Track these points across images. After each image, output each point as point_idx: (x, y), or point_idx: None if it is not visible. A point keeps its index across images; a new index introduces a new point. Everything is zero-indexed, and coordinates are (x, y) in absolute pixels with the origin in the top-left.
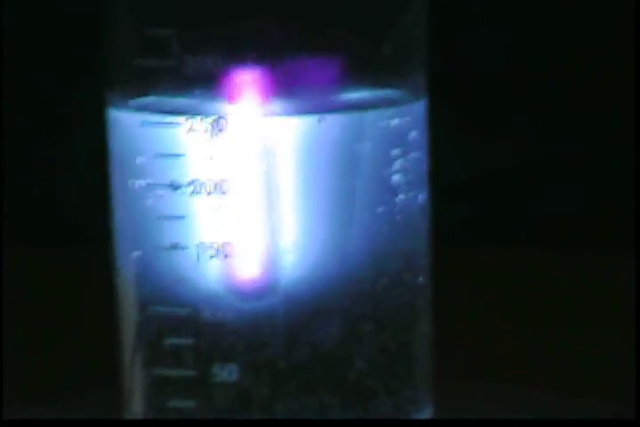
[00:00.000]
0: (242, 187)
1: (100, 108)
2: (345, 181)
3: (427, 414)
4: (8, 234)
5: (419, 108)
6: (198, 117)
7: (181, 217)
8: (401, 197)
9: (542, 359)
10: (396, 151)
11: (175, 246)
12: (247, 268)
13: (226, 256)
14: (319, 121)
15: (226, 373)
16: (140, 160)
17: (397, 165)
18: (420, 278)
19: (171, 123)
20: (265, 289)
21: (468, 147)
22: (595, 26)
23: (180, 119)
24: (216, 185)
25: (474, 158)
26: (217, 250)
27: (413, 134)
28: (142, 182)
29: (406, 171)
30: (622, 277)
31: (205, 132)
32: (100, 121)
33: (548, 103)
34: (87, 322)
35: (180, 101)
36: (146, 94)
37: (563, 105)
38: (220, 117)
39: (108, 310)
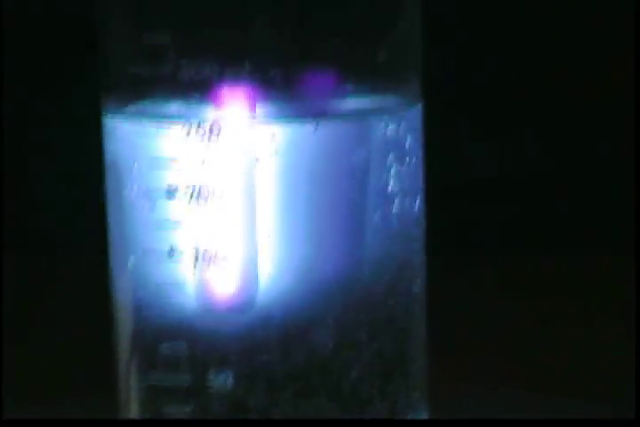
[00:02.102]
0: (237, 194)
1: (96, 114)
2: (341, 187)
3: (422, 418)
4: (4, 240)
5: (414, 114)
6: (193, 124)
7: (177, 223)
8: (396, 203)
9: (542, 360)
10: (391, 157)
11: (171, 252)
12: (238, 275)
13: (221, 262)
14: (315, 128)
15: (221, 379)
16: (135, 166)
17: (393, 171)
18: (416, 286)
19: (166, 129)
20: (254, 296)
21: (463, 152)
22: (597, 29)
23: (176, 125)
24: (211, 192)
25: (470, 163)
26: (212, 256)
27: (409, 140)
28: (138, 188)
29: (402, 177)
30: (623, 279)
31: (201, 138)
32: (96, 127)
33: (545, 108)
34: (84, 327)
35: (175, 108)
36: (141, 100)
37: (559, 109)
38: (215, 124)
39: (105, 316)
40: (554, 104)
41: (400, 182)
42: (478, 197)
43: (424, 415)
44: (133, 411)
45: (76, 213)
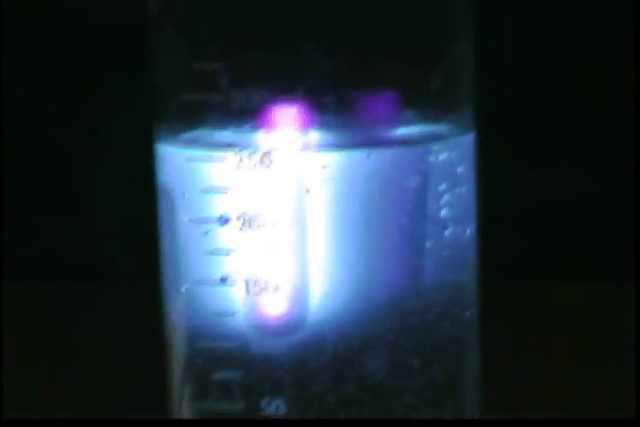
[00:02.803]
0: (290, 221)
1: (149, 143)
2: (393, 214)
3: None
4: (51, 267)
5: (467, 141)
6: (246, 152)
7: (229, 251)
8: (449, 230)
9: (542, 360)
10: (444, 185)
11: (223, 281)
12: (290, 302)
13: (274, 290)
14: (368, 155)
15: (273, 407)
16: (187, 194)
17: (445, 198)
18: (469, 312)
19: (218, 157)
20: (304, 320)
21: (515, 179)
22: None
23: (228, 153)
24: (264, 219)
25: (520, 191)
26: (265, 284)
27: (462, 168)
28: (190, 217)
29: (454, 204)
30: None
31: (253, 166)
32: (149, 155)
33: (593, 137)
34: (137, 355)
35: (227, 135)
36: (193, 128)
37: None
38: (267, 152)
39: (158, 344)
40: (599, 135)
41: (452, 209)
42: (524, 230)
43: None
44: None
45: (129, 241)
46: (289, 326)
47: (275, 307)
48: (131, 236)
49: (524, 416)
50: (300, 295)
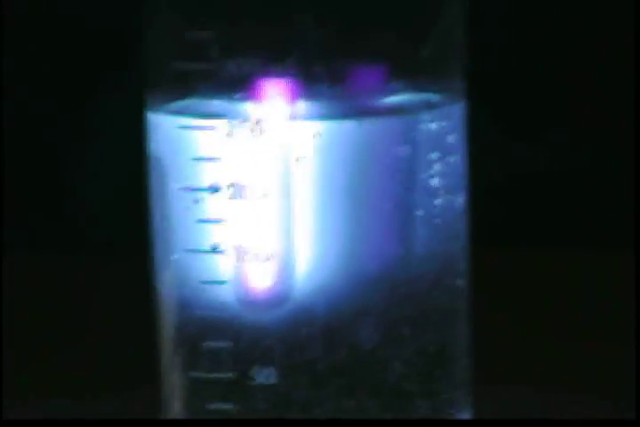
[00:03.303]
0: (280, 191)
1: (139, 111)
2: (383, 183)
3: (466, 416)
4: (40, 238)
5: (457, 111)
6: (236, 121)
7: (219, 220)
8: (439, 200)
9: (542, 360)
10: (435, 154)
11: (213, 249)
12: (278, 271)
13: (264, 259)
14: (359, 125)
15: (264, 375)
16: (178, 163)
17: (436, 168)
18: (459, 281)
19: (209, 126)
20: (291, 289)
21: (503, 149)
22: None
23: (219, 122)
24: (254, 188)
25: (509, 161)
26: (255, 253)
27: (452, 137)
28: (180, 185)
29: (445, 174)
30: (624, 279)
31: (243, 135)
32: (139, 123)
33: (585, 106)
34: (126, 323)
35: (218, 104)
36: (184, 97)
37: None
38: (258, 121)
39: (148, 312)
40: (592, 104)
41: (443, 178)
42: (513, 199)
43: (468, 413)
44: (176, 407)
45: (119, 209)
46: (278, 298)
47: (264, 276)
48: (121, 204)
49: (520, 413)
50: (289, 264)
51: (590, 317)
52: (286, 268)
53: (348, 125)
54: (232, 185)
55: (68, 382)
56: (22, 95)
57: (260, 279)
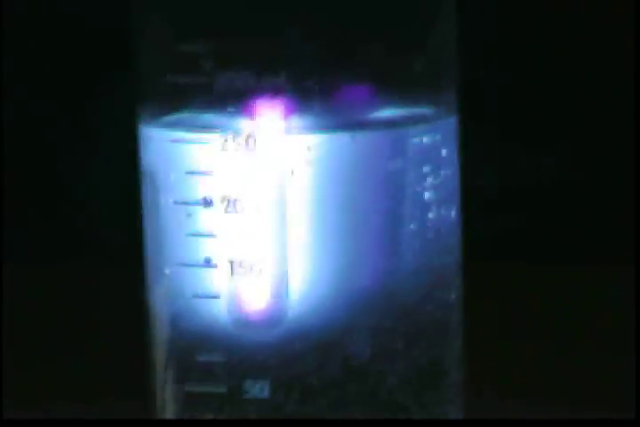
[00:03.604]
0: (274, 204)
1: (131, 125)
2: (376, 197)
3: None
4: (34, 249)
5: (450, 124)
6: (229, 135)
7: (213, 233)
8: (432, 213)
9: (541, 360)
10: (427, 168)
11: (207, 263)
12: (271, 287)
13: (258, 273)
14: (352, 138)
15: (257, 389)
16: (171, 177)
17: (429, 181)
18: (452, 295)
19: (202, 140)
20: (286, 308)
21: (497, 162)
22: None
23: (212, 136)
24: (248, 202)
25: (503, 173)
26: (249, 267)
27: (445, 150)
28: (173, 199)
29: (438, 187)
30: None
31: (237, 149)
32: (131, 137)
33: (577, 117)
34: (118, 336)
35: (211, 118)
36: (177, 111)
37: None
38: (251, 135)
39: (140, 326)
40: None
41: (436, 192)
42: (511, 206)
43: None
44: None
45: (112, 223)
46: (272, 320)
47: (258, 292)
48: (114, 218)
49: (520, 413)
50: (283, 279)
51: (589, 319)
52: (280, 283)
53: (341, 139)
54: (225, 199)
55: (68, 382)
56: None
57: (254, 295)
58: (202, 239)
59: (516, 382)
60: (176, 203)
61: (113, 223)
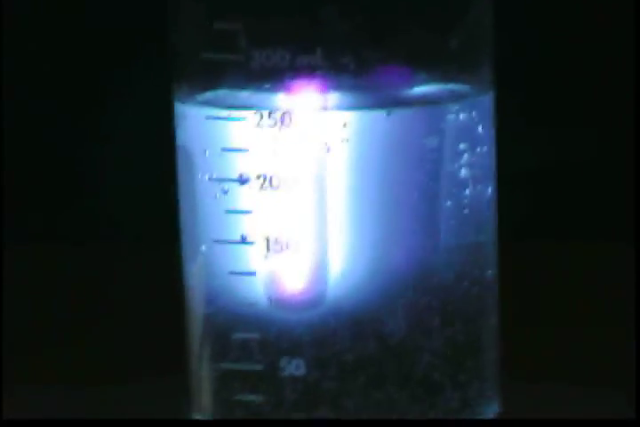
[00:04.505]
0: (310, 181)
1: (168, 102)
2: (412, 174)
3: (493, 409)
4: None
5: (486, 102)
6: (265, 112)
7: (249, 211)
8: (468, 190)
9: (542, 360)
10: (463, 145)
11: (243, 240)
12: (309, 265)
13: (294, 250)
14: (387, 115)
15: (293, 367)
16: (207, 154)
17: (465, 159)
18: (489, 272)
19: (237, 117)
20: (324, 289)
21: (532, 140)
22: None
23: (247, 113)
24: (284, 179)
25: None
26: (285, 244)
27: (480, 128)
28: (209, 176)
29: (473, 165)
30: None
31: (273, 126)
32: (168, 114)
33: (609, 99)
34: (156, 314)
35: (247, 95)
36: (213, 88)
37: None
38: (287, 112)
39: (177, 303)
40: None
41: (471, 169)
42: (540, 191)
43: (495, 405)
44: (205, 397)
45: (148, 200)
46: (309, 301)
47: (293, 270)
48: (150, 195)
49: (520, 413)
50: (319, 258)
51: (591, 316)
52: (316, 261)
53: (377, 116)
54: (261, 175)
55: (69, 381)
56: (24, 95)
57: (290, 273)
58: (238, 216)
59: (517, 382)
60: (211, 180)
61: (149, 201)
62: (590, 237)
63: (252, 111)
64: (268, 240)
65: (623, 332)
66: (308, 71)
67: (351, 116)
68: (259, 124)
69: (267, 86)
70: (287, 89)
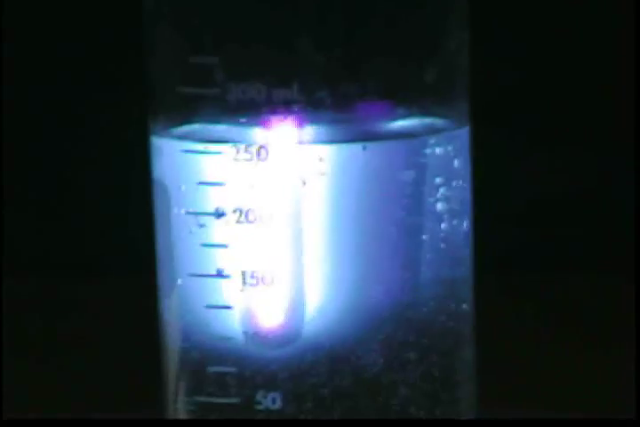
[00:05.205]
0: (286, 215)
1: (143, 136)
2: (389, 208)
3: None
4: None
5: (462, 135)
6: (242, 146)
7: (225, 245)
8: (445, 224)
9: (541, 360)
10: (440, 179)
11: (219, 274)
12: (286, 299)
13: (270, 284)
14: (364, 149)
15: (269, 400)
16: (183, 188)
17: (441, 192)
18: (464, 306)
19: (214, 151)
20: (301, 323)
21: (509, 172)
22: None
23: (224, 147)
24: (260, 213)
25: (516, 184)
26: (261, 278)
27: (457, 161)
28: (185, 210)
29: (450, 198)
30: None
31: (249, 159)
32: (144, 148)
33: (588, 131)
34: (131, 348)
35: (223, 129)
36: (189, 122)
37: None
38: (263, 146)
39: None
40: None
41: (448, 203)
42: (523, 218)
43: None
44: None
45: (124, 234)
46: (284, 335)
47: (270, 304)
48: (126, 229)
49: (520, 413)
50: (296, 291)
51: (590, 320)
52: (293, 296)
53: (353, 150)
54: (237, 209)
55: (68, 405)
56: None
57: (265, 307)
58: (214, 250)
59: (516, 383)
60: (188, 213)
61: (125, 235)
62: (578, 268)
63: (229, 145)
64: (244, 274)
65: (623, 325)
66: (284, 105)
67: (328, 151)
68: (235, 157)
69: (243, 120)
70: (264, 123)
